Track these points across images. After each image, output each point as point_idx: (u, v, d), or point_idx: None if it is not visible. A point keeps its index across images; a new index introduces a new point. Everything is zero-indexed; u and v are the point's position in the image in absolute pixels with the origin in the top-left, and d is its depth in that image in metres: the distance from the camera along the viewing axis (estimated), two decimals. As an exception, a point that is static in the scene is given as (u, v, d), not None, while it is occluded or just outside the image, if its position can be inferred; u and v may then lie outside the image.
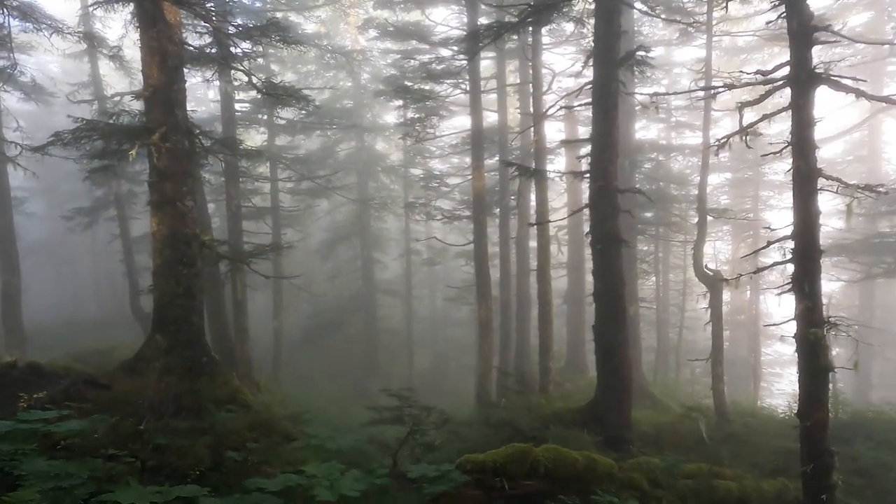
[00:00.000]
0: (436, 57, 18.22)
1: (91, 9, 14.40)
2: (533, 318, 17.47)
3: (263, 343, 22.61)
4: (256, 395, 13.89)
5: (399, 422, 7.80)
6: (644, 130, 25.54)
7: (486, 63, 22.19)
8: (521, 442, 6.83)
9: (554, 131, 22.49)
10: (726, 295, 23.77)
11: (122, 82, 19.04)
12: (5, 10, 13.02)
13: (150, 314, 11.52)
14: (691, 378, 23.87)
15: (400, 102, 18.35)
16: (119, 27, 13.83)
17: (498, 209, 19.24)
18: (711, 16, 14.06)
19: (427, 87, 18.10)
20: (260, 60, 18.37)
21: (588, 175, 10.11)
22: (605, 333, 9.62)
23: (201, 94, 30.85)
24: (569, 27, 17.81)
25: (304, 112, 13.84)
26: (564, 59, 23.59)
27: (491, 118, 21.64)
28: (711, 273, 12.89)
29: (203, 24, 9.81)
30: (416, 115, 18.43)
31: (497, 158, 19.43)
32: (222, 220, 22.04)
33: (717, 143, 7.81)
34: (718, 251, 30.70)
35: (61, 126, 9.56)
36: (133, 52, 13.31)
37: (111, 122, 10.03)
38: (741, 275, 8.30)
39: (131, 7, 10.46)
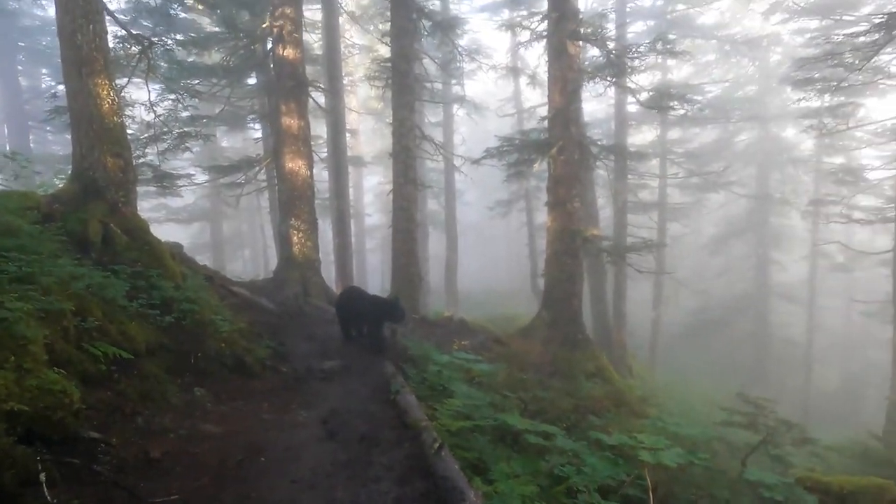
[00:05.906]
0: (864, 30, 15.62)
1: (517, 48, 17.89)
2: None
3: (641, 331, 23.52)
4: (626, 377, 15.22)
5: (752, 428, 7.90)
6: None
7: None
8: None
9: None
10: None
11: (535, 94, 22.52)
12: (460, 53, 17.37)
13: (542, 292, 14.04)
14: None
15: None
16: (535, 56, 16.78)
17: (940, 210, 15.48)
18: None
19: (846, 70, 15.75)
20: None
21: None
22: None
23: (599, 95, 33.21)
24: None
25: (695, 108, 14.25)
26: None
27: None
28: None
29: (599, 50, 11.37)
30: (829, 104, 16.31)
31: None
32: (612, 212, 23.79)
33: None
34: None
35: (489, 130, 12.48)
36: (544, 74, 16.02)
37: (524, 138, 12.62)
38: None
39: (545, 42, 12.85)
